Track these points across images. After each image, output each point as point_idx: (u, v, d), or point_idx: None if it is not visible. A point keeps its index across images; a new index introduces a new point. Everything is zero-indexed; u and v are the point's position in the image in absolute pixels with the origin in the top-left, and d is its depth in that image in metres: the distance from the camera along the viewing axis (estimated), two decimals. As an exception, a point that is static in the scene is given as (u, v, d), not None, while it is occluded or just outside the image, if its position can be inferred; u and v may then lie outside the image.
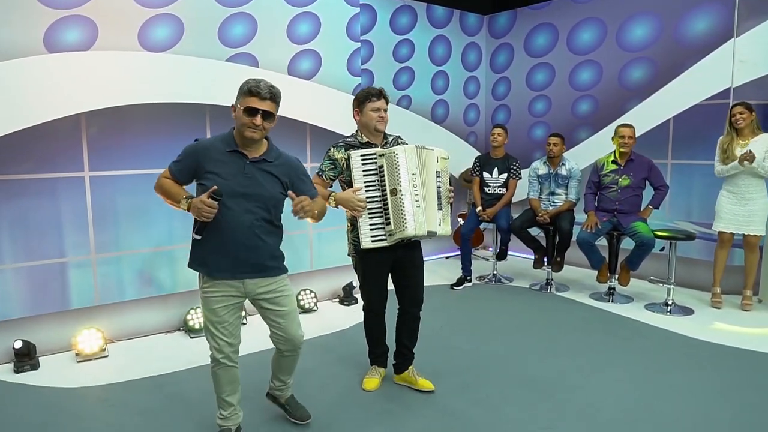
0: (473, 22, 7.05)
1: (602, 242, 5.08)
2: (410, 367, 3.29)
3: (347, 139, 3.08)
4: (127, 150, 3.92)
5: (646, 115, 5.67)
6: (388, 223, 2.88)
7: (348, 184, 2.98)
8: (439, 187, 2.94)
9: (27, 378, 3.44)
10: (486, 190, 5.69)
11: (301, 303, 4.73)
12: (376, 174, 2.90)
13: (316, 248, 4.95)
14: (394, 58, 6.30)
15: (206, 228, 2.32)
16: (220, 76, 4.28)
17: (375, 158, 2.90)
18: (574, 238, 5.13)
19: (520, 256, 6.77)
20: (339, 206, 2.95)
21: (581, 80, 6.25)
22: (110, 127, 3.86)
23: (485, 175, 5.69)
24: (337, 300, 5.07)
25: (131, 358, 3.73)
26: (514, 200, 5.74)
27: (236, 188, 2.32)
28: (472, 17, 7.02)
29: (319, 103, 4.87)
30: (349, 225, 3.08)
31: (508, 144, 5.70)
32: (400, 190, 2.83)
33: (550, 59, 6.52)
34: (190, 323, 4.17)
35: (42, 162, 3.64)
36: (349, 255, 3.18)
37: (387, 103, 3.04)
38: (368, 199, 2.89)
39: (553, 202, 5.40)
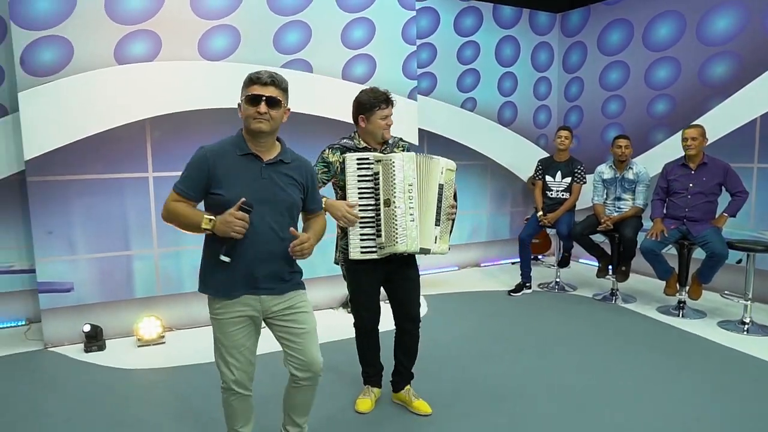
0: (544, 21, 6.83)
1: (673, 252, 4.75)
2: (407, 386, 3.08)
3: (344, 141, 2.84)
4: (187, 152, 4.12)
5: (729, 115, 5.23)
6: (379, 236, 2.67)
7: (342, 188, 2.77)
8: (440, 202, 2.73)
9: (94, 357, 3.81)
10: (548, 194, 5.50)
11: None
12: (372, 181, 2.68)
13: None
14: (458, 60, 6.26)
15: (235, 249, 2.05)
16: (276, 82, 4.48)
17: (371, 164, 2.68)
18: (639, 247, 4.83)
19: (588, 264, 6.46)
20: (327, 212, 2.64)
21: (658, 78, 5.87)
22: (172, 132, 4.17)
23: (548, 178, 5.51)
24: (340, 308, 4.90)
25: (185, 346, 4.00)
26: (579, 206, 5.51)
27: (254, 195, 2.07)
28: (543, 16, 6.81)
29: (374, 107, 4.94)
30: (340, 231, 2.85)
31: (580, 147, 5.48)
32: (394, 202, 2.63)
33: (625, 57, 6.18)
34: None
35: (111, 163, 4.01)
36: (336, 263, 2.95)
37: (393, 107, 2.82)
38: (361, 208, 2.68)
39: (619, 207, 5.12)
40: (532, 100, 6.88)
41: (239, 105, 2.14)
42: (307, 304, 2.30)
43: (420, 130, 5.72)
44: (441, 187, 2.73)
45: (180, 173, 2.14)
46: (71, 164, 3.91)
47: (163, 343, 4.06)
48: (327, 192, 2.85)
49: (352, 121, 2.83)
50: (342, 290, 4.89)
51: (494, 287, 5.71)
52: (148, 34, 4.04)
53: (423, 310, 4.88)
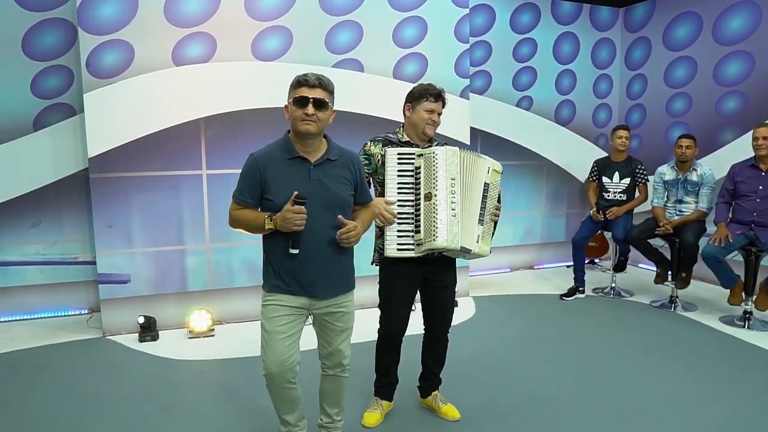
0: (606, 16, 6.57)
1: (739, 258, 4.47)
2: (435, 392, 3.00)
3: (388, 135, 2.76)
4: (240, 150, 4.32)
5: (808, 114, 4.86)
6: (418, 231, 2.55)
7: (381, 184, 2.67)
8: (484, 200, 2.61)
9: (147, 347, 3.98)
10: (605, 195, 5.30)
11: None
12: (412, 176, 2.58)
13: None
14: (514, 58, 6.12)
15: (299, 239, 2.12)
16: (327, 82, 4.53)
17: (413, 158, 2.58)
18: (701, 252, 4.57)
19: (647, 269, 6.17)
20: None
21: (728, 74, 5.52)
22: (225, 131, 4.30)
23: (604, 179, 5.31)
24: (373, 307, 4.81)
25: (234, 339, 4.11)
26: (637, 209, 5.28)
27: (305, 197, 2.10)
28: (605, 11, 6.55)
29: (424, 106, 4.91)
30: (378, 230, 2.73)
31: (641, 147, 5.23)
32: (435, 195, 2.51)
33: (692, 52, 5.85)
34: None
35: (166, 161, 4.17)
36: (372, 263, 2.82)
37: (443, 107, 2.74)
38: (400, 203, 2.58)
39: (680, 210, 4.86)
40: (591, 98, 6.64)
41: (286, 107, 2.19)
42: (351, 303, 2.36)
43: (473, 129, 5.63)
44: (486, 186, 2.63)
45: (231, 171, 2.23)
46: (130, 162, 4.10)
47: (213, 335, 4.19)
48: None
49: (403, 120, 2.78)
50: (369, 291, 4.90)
51: (546, 290, 5.56)
52: (204, 36, 4.17)
53: (470, 311, 4.85)
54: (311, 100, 2.09)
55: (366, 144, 2.75)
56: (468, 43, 5.06)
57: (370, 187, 2.72)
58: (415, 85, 2.82)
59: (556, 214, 6.63)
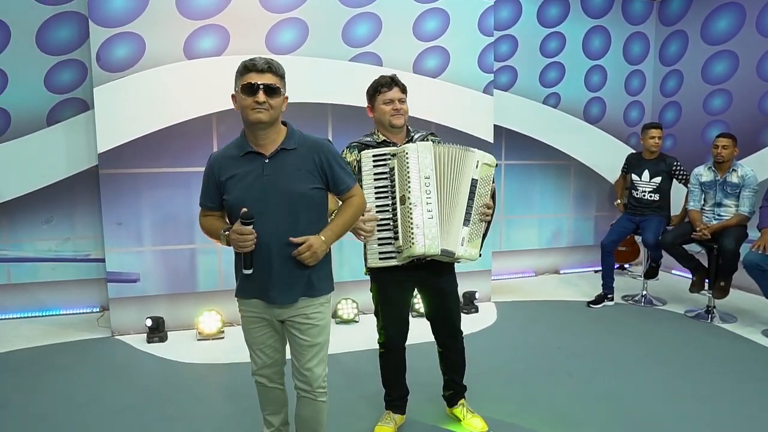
0: (639, 9, 6.26)
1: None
2: (462, 401, 2.85)
3: (364, 139, 2.58)
4: None
5: None
6: (397, 238, 2.38)
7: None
8: (471, 198, 2.41)
9: (154, 348, 3.88)
10: (633, 193, 5.01)
11: (339, 313, 4.42)
12: (388, 178, 2.41)
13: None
14: (540, 53, 5.87)
15: (253, 258, 1.98)
16: (343, 76, 4.38)
17: (387, 159, 2.41)
18: (742, 260, 4.26)
19: (682, 276, 5.85)
20: None
21: (772, 70, 5.19)
22: (238, 126, 4.11)
23: (634, 177, 5.02)
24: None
25: (243, 343, 3.96)
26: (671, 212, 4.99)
27: (256, 196, 1.96)
28: (639, 4, 6.24)
29: (446, 102, 4.71)
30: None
31: (676, 147, 4.93)
32: (409, 198, 2.34)
33: (734, 46, 5.51)
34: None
35: (177, 157, 4.06)
36: (365, 273, 2.61)
37: (404, 92, 2.52)
38: (378, 209, 2.42)
39: (719, 215, 4.56)
40: (623, 95, 6.34)
41: (234, 97, 2.01)
42: (322, 315, 2.12)
43: (497, 127, 5.42)
44: (474, 182, 2.42)
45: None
46: (141, 157, 3.99)
47: (222, 338, 4.06)
48: None
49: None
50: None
51: (573, 297, 5.30)
52: (217, 28, 4.05)
53: (491, 318, 4.63)
54: (261, 86, 1.90)
55: (342, 152, 2.53)
56: (492, 36, 4.84)
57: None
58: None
59: (584, 216, 6.35)
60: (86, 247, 4.57)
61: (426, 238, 2.34)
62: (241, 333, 2.23)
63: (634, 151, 5.46)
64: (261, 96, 1.90)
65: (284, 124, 2.07)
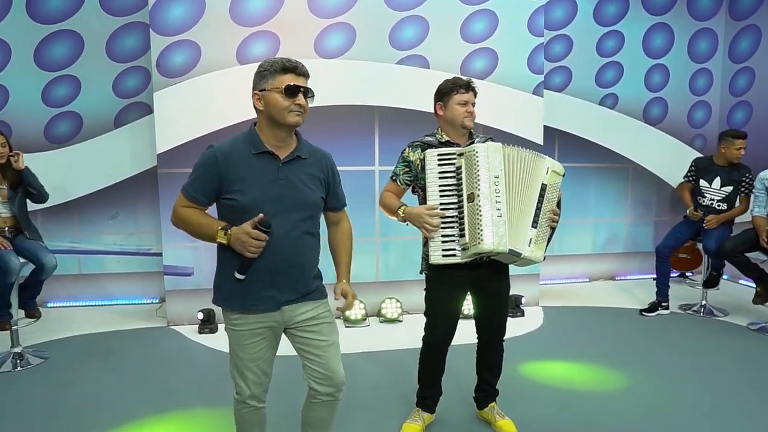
0: (707, 4, 5.95)
1: None
2: (492, 404, 2.86)
3: (425, 138, 2.63)
4: None
5: None
6: (463, 235, 2.38)
7: (423, 189, 2.53)
8: (540, 202, 2.42)
9: (204, 339, 4.09)
10: (700, 201, 4.75)
11: (383, 312, 4.48)
12: (454, 177, 2.43)
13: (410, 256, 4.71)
14: (597, 53, 5.70)
15: (250, 264, 1.89)
16: (390, 79, 4.45)
17: (453, 158, 2.43)
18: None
19: (747, 286, 5.52)
20: (407, 222, 2.52)
21: None
22: (286, 128, 4.31)
23: (702, 183, 4.77)
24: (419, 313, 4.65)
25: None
26: (737, 219, 4.72)
27: (271, 199, 1.90)
28: (706, -1, 5.95)
29: (494, 103, 4.68)
30: (424, 238, 2.60)
31: (747, 149, 4.61)
32: (479, 195, 2.34)
33: (810, 42, 5.16)
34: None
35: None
36: (420, 272, 2.67)
37: (475, 97, 2.59)
38: (443, 207, 2.43)
39: (786, 222, 4.28)
40: (687, 95, 6.05)
41: (258, 95, 1.93)
42: (331, 314, 2.14)
43: (550, 128, 5.33)
44: (544, 187, 2.43)
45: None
46: (195, 158, 4.14)
47: (269, 331, 4.23)
48: (408, 199, 2.67)
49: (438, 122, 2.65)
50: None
51: (627, 304, 5.12)
52: (268, 34, 4.22)
53: (538, 322, 4.56)
54: (302, 89, 1.90)
55: (404, 150, 2.64)
56: (542, 36, 4.76)
57: (405, 198, 2.64)
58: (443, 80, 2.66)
59: (643, 221, 6.11)
60: (148, 242, 4.87)
61: (495, 236, 2.34)
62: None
63: (701, 155, 5.19)
64: (302, 99, 1.90)
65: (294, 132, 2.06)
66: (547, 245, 2.50)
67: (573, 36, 5.60)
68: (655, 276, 5.58)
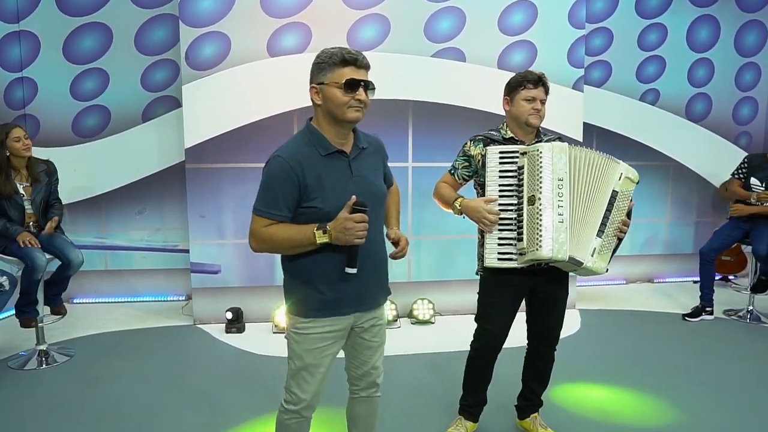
0: (756, -5, 5.67)
1: None
2: (534, 414, 2.73)
3: (490, 132, 2.51)
4: None
5: None
6: (520, 239, 2.27)
7: (482, 187, 2.42)
8: (609, 210, 2.27)
9: (232, 339, 4.00)
10: (749, 200, 4.51)
11: (415, 313, 4.34)
12: (515, 177, 2.31)
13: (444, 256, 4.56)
14: (638, 46, 5.46)
15: (358, 254, 1.78)
16: (425, 72, 4.30)
17: (516, 156, 2.31)
18: None
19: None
20: (464, 215, 2.40)
21: None
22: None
23: (753, 182, 4.52)
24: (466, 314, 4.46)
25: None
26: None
27: (352, 196, 1.80)
28: (755, -11, 5.66)
29: (531, 98, 4.50)
30: (480, 237, 2.46)
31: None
32: (540, 198, 2.22)
33: None
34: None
35: (259, 153, 4.13)
36: (477, 273, 2.56)
37: (546, 94, 2.43)
38: (501, 208, 2.32)
39: (844, 225, 4.03)
40: (732, 91, 5.77)
41: (316, 88, 1.82)
42: (385, 314, 2.11)
43: (588, 125, 5.11)
44: (615, 194, 2.28)
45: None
46: (224, 153, 4.12)
47: (297, 332, 4.11)
48: (467, 191, 2.54)
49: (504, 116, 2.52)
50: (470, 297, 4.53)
51: (667, 308, 4.90)
52: (299, 26, 4.09)
53: (575, 326, 4.37)
54: (363, 83, 1.79)
55: (465, 144, 2.53)
56: (584, 29, 4.56)
57: (463, 190, 2.54)
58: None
59: (684, 222, 5.86)
60: (175, 238, 4.79)
61: (555, 242, 2.21)
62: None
63: (755, 152, 4.93)
64: (363, 94, 1.79)
65: None
66: (611, 256, 2.33)
67: (613, 29, 5.37)
68: (696, 279, 5.36)
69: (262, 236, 1.82)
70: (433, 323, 4.36)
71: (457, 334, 4.15)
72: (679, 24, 5.52)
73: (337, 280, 1.83)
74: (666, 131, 5.62)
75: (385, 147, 2.06)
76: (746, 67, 5.77)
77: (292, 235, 1.78)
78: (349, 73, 1.78)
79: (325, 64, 1.82)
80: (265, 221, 1.80)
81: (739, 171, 4.65)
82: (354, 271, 1.79)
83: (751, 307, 4.66)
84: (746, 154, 5.24)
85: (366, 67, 1.84)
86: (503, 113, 2.53)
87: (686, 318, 4.58)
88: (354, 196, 1.75)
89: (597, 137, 5.40)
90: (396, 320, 4.31)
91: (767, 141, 5.85)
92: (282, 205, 1.78)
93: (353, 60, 1.79)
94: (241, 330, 4.09)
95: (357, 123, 1.85)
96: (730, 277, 5.84)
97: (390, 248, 2.02)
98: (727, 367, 3.60)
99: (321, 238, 1.74)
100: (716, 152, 5.76)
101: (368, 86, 1.82)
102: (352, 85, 1.77)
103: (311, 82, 1.85)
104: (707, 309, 4.59)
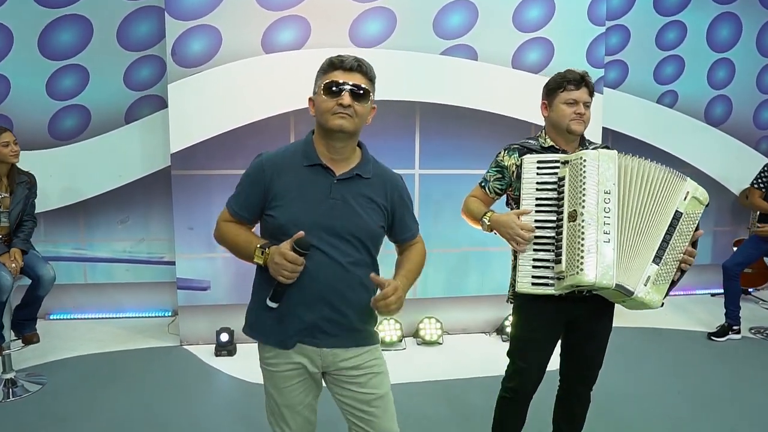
0: (779, -7, 5.39)
1: None
2: None
3: (527, 141, 2.20)
4: None
5: None
6: (558, 261, 1.92)
7: (516, 201, 2.12)
8: (669, 233, 1.93)
9: (222, 363, 3.65)
10: (774, 213, 4.24)
11: (421, 333, 4.01)
12: (555, 190, 1.99)
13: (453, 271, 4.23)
14: (656, 45, 5.16)
15: (286, 293, 1.61)
16: (434, 71, 3.97)
17: (557, 167, 2.00)
18: None
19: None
20: (494, 231, 2.10)
21: None
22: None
23: (776, 192, 4.25)
24: (494, 333, 4.22)
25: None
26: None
27: (320, 219, 1.61)
28: (778, -14, 5.37)
29: (548, 101, 4.18)
30: (513, 259, 2.18)
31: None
32: (582, 213, 1.89)
33: None
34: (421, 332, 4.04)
35: (252, 158, 3.76)
36: (508, 301, 2.26)
37: (591, 96, 2.11)
38: (538, 225, 2.00)
39: None
40: (754, 93, 5.48)
41: (311, 100, 1.69)
42: (381, 362, 1.78)
43: (604, 128, 4.79)
44: (678, 215, 1.94)
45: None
46: (214, 158, 3.77)
47: (294, 355, 3.77)
48: (500, 206, 2.22)
49: (522, 118, 2.19)
50: (499, 312, 4.22)
51: (686, 325, 4.59)
52: (297, 20, 3.74)
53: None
54: (347, 86, 1.58)
55: (499, 154, 2.22)
56: (603, 26, 4.25)
57: (496, 206, 2.20)
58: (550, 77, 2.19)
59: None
60: (160, 249, 4.43)
61: (599, 266, 1.86)
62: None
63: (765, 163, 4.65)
64: (346, 98, 1.58)
65: (359, 145, 1.74)
66: (669, 289, 1.97)
67: (630, 26, 5.06)
68: (713, 291, 5.09)
69: (219, 230, 1.77)
70: (440, 344, 4.03)
71: (467, 356, 3.85)
72: (699, 22, 5.22)
73: (287, 309, 1.64)
74: (683, 135, 5.32)
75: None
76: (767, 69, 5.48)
77: (239, 243, 1.69)
78: (335, 76, 1.61)
79: (319, 71, 1.68)
80: (227, 215, 1.74)
81: (760, 180, 4.36)
82: (274, 305, 1.62)
83: (779, 325, 4.37)
84: (767, 160, 4.96)
85: (358, 70, 1.62)
86: (517, 116, 2.20)
87: (712, 338, 4.27)
88: (301, 232, 1.53)
89: (612, 141, 5.08)
90: (401, 340, 3.98)
91: (789, 146, 5.57)
92: (242, 204, 1.70)
93: (339, 62, 1.61)
94: (232, 352, 3.74)
95: (343, 132, 1.60)
96: (750, 290, 5.55)
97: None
98: (764, 393, 3.30)
99: (258, 258, 1.61)
100: (735, 157, 5.48)
101: (357, 92, 1.59)
102: (332, 89, 1.59)
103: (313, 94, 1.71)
104: (734, 328, 4.29)
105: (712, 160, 5.45)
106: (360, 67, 1.62)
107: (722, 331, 4.29)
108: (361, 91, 1.60)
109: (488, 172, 2.23)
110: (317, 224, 1.60)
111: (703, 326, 4.50)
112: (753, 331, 4.46)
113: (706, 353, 4.01)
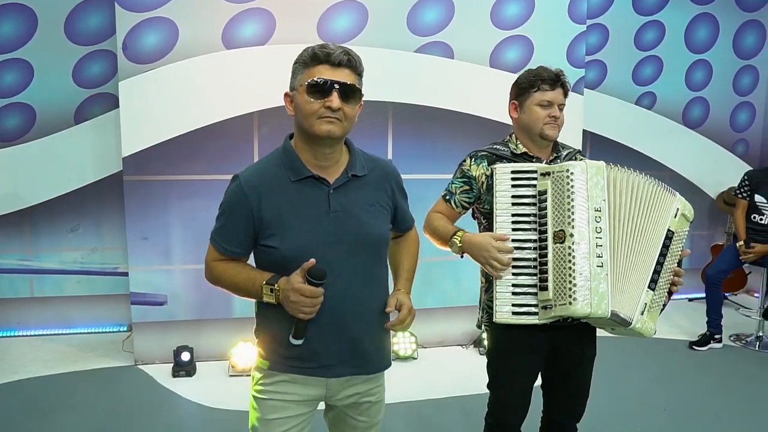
0: (756, -6, 5.33)
1: None
2: None
3: (496, 147, 1.98)
4: None
5: None
6: (544, 288, 1.70)
7: (486, 216, 1.93)
8: (663, 255, 1.74)
9: (180, 385, 3.37)
10: (757, 219, 4.15)
11: (395, 348, 3.75)
12: (535, 204, 1.77)
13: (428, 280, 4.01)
14: (635, 45, 5.05)
15: (307, 326, 1.43)
16: (407, 69, 3.77)
17: (534, 178, 1.78)
18: None
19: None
20: (464, 255, 1.86)
21: None
22: (282, 127, 3.54)
23: (758, 199, 4.15)
24: (471, 346, 4.03)
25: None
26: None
27: (323, 240, 1.42)
28: (755, -13, 5.31)
29: (526, 102, 4.01)
30: (484, 280, 1.98)
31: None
32: (572, 235, 1.67)
33: None
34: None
35: (213, 163, 3.53)
36: (478, 326, 2.08)
37: (565, 97, 1.94)
38: (516, 245, 1.76)
39: None
40: (730, 95, 5.42)
41: (289, 96, 1.45)
42: (382, 389, 1.65)
43: (583, 131, 4.65)
44: (670, 235, 1.75)
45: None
46: (171, 162, 3.49)
47: (259, 374, 3.51)
48: (466, 223, 1.98)
49: (501, 120, 1.98)
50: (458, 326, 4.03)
51: (667, 333, 4.46)
52: (261, 13, 3.49)
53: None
54: (337, 86, 1.36)
55: (464, 162, 1.98)
56: (584, 24, 4.10)
57: (461, 221, 1.98)
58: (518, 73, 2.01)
59: (679, 235, 5.48)
60: (114, 259, 4.13)
61: (593, 294, 1.65)
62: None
63: (754, 168, 4.59)
64: (335, 100, 1.36)
65: (345, 143, 1.55)
66: (660, 313, 1.79)
67: (609, 25, 4.93)
68: (691, 296, 5.04)
69: (212, 272, 1.53)
70: (415, 359, 3.82)
71: (444, 371, 3.66)
72: (678, 22, 5.13)
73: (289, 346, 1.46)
74: (661, 138, 5.24)
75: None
76: (744, 71, 5.43)
77: (240, 283, 1.47)
78: (320, 72, 1.37)
79: (297, 64, 1.43)
80: (215, 254, 1.51)
81: (742, 189, 4.27)
82: (299, 342, 1.44)
83: (760, 333, 4.30)
84: (744, 166, 4.94)
85: (348, 64, 1.40)
86: (496, 117, 2.00)
87: (694, 347, 4.16)
88: (313, 260, 1.35)
89: (591, 143, 4.97)
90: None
91: (764, 149, 5.52)
92: (233, 239, 1.48)
93: (325, 55, 1.37)
94: (191, 373, 3.46)
95: (332, 139, 1.40)
96: (726, 295, 5.48)
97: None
98: (750, 406, 3.20)
99: (268, 297, 1.40)
100: (712, 161, 5.42)
101: (347, 91, 1.38)
102: (319, 88, 1.36)
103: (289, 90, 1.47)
104: (716, 337, 4.19)
105: (689, 163, 5.37)
106: (349, 61, 1.39)
107: (704, 340, 4.19)
108: (351, 90, 1.39)
109: (452, 183, 1.99)
110: (325, 245, 1.41)
111: (685, 334, 4.41)
112: (733, 338, 4.38)
113: (689, 364, 3.91)
